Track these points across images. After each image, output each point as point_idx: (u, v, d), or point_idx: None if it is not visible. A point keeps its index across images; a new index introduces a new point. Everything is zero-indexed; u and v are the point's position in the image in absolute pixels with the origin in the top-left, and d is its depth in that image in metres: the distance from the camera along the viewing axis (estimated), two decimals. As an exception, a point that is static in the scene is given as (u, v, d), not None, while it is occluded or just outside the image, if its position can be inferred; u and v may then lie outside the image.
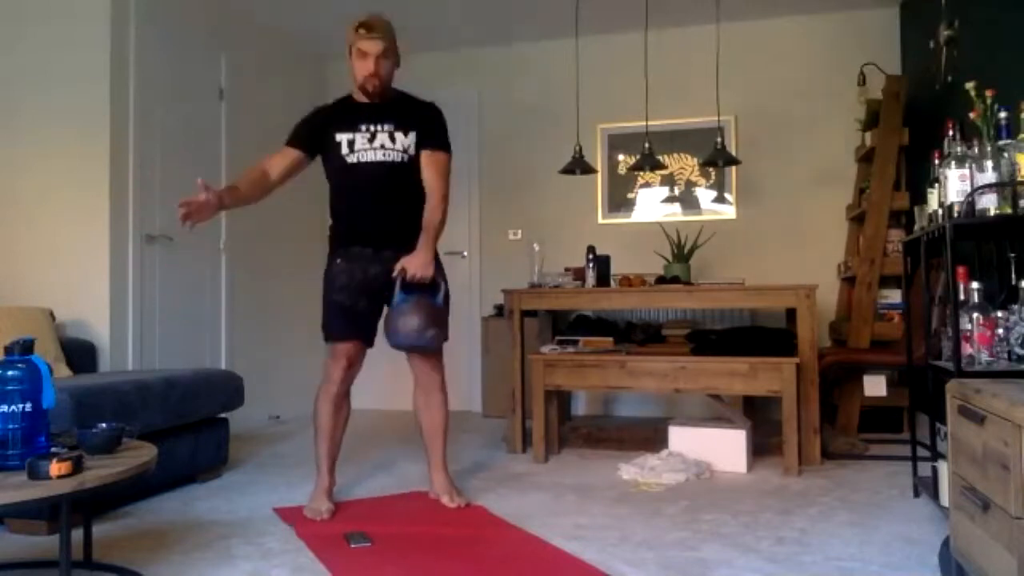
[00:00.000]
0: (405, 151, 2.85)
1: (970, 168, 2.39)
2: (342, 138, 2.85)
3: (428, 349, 2.86)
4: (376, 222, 2.86)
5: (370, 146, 2.83)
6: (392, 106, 2.89)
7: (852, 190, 4.90)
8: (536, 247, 4.23)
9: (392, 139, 2.85)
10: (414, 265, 2.74)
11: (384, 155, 2.84)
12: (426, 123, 2.90)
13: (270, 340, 5.00)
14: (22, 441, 1.92)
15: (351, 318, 2.86)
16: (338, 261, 2.89)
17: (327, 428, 2.90)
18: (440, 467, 3.02)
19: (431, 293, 2.78)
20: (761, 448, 3.77)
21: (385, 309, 2.87)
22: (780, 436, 3.49)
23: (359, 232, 2.88)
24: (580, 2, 4.70)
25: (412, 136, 2.87)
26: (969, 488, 1.85)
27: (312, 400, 2.95)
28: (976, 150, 2.42)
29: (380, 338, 3.02)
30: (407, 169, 2.86)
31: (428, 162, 2.88)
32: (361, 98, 2.88)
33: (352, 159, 2.83)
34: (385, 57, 2.80)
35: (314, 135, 2.90)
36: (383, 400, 5.20)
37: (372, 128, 2.85)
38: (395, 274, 2.75)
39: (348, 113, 2.89)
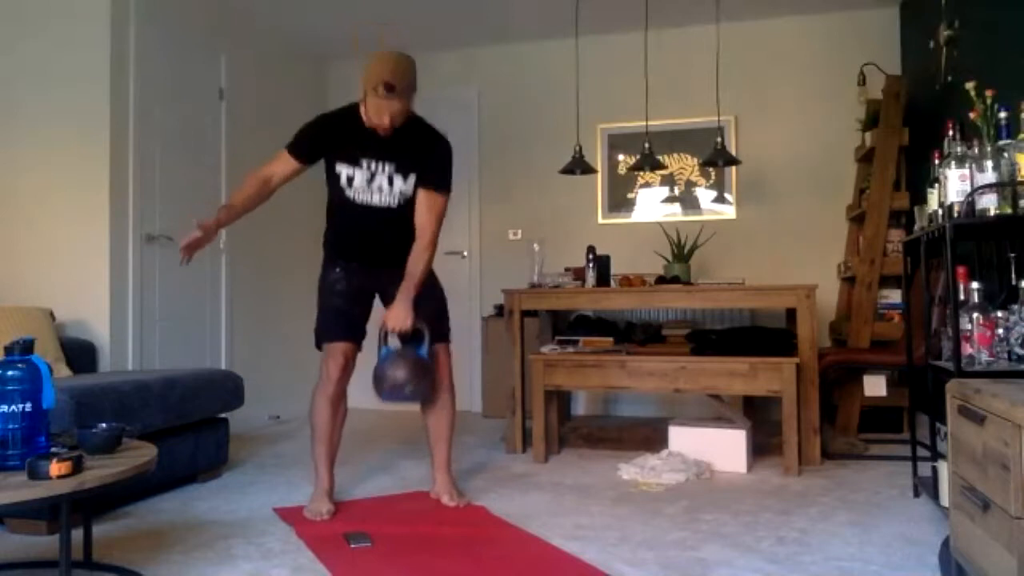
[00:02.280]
0: (402, 195, 2.85)
1: (970, 168, 2.39)
2: (342, 170, 2.83)
3: (415, 401, 2.88)
4: (368, 252, 2.93)
5: (367, 188, 2.83)
6: (399, 141, 2.79)
7: (852, 190, 4.90)
8: (536, 247, 4.23)
9: (390, 183, 2.83)
10: (393, 319, 2.75)
11: (379, 199, 2.84)
12: (429, 164, 2.84)
13: (270, 340, 5.00)
14: (22, 441, 1.92)
15: (347, 320, 2.91)
16: (336, 270, 2.94)
17: (325, 429, 2.90)
18: (444, 467, 3.02)
19: (416, 342, 2.80)
20: (761, 448, 3.77)
21: (376, 311, 2.94)
22: (780, 436, 3.49)
23: (353, 254, 2.93)
24: (580, 2, 4.70)
25: (411, 179, 2.84)
26: (969, 488, 1.85)
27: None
28: (976, 150, 2.43)
29: (373, 337, 3.03)
30: (401, 212, 2.86)
31: (423, 201, 2.84)
32: (369, 119, 2.77)
33: (349, 194, 2.84)
34: (401, 113, 2.71)
35: (316, 152, 2.86)
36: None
37: (372, 167, 2.81)
38: (379, 329, 2.79)
39: (352, 140, 2.80)
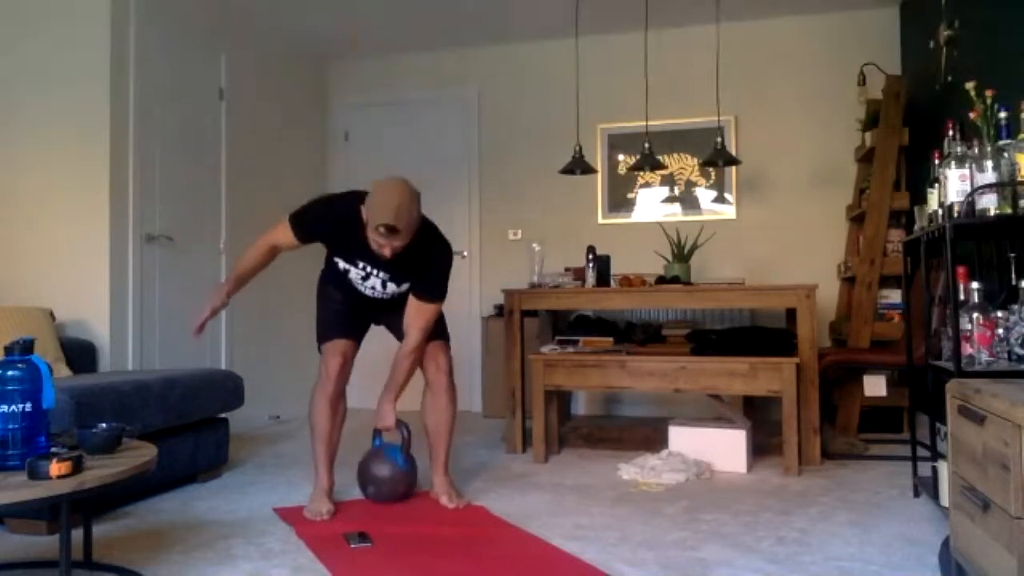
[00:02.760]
0: (395, 293, 2.90)
1: (970, 168, 2.39)
2: (339, 260, 2.86)
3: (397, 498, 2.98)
4: (368, 312, 3.02)
5: (361, 283, 2.87)
6: (397, 257, 2.70)
7: (852, 190, 4.90)
8: (536, 247, 4.23)
9: (384, 286, 2.86)
10: (377, 418, 2.89)
11: (372, 294, 2.90)
12: (426, 275, 2.83)
13: (270, 340, 5.00)
14: (22, 441, 1.92)
15: (347, 320, 2.94)
16: (332, 287, 2.98)
17: (324, 428, 2.91)
18: (442, 468, 3.02)
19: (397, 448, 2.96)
20: (761, 448, 3.77)
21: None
22: (780, 436, 3.50)
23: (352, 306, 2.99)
24: (580, 2, 4.70)
25: (405, 286, 2.87)
26: (969, 488, 1.85)
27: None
28: (976, 150, 2.42)
29: (376, 337, 3.05)
30: (395, 299, 2.92)
31: (414, 306, 2.84)
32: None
33: (347, 276, 2.87)
34: (403, 246, 2.65)
35: (315, 240, 2.86)
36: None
37: (367, 270, 2.83)
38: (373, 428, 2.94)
39: (350, 243, 2.77)
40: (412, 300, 2.84)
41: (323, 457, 2.92)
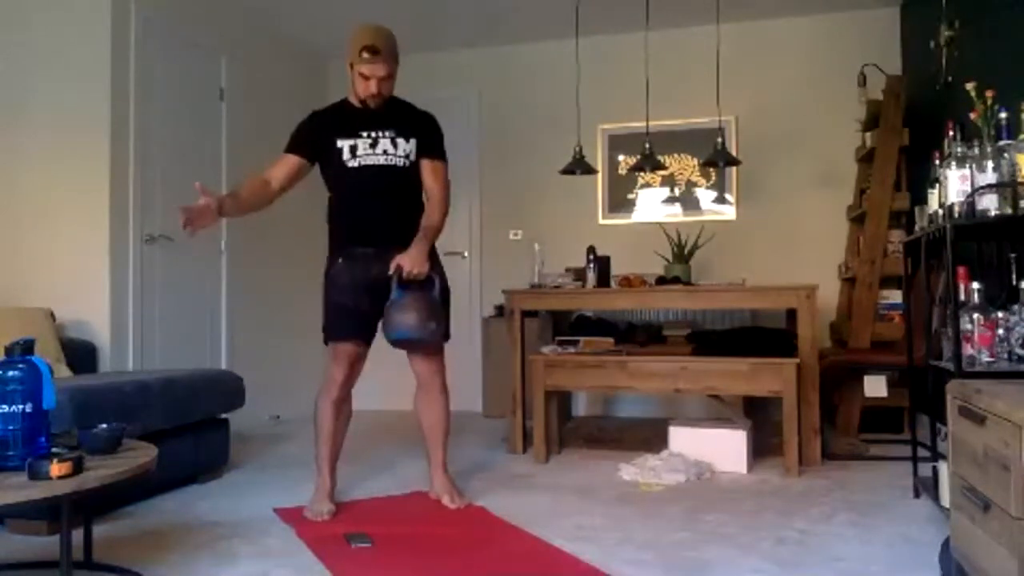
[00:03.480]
0: (407, 156, 2.88)
1: (970, 168, 2.39)
2: (343, 144, 2.84)
3: (427, 342, 2.83)
4: (378, 223, 2.86)
5: (372, 151, 2.84)
6: (392, 113, 2.88)
7: (852, 190, 4.90)
8: (536, 247, 4.23)
9: (394, 144, 2.86)
10: (409, 261, 2.74)
11: (387, 159, 2.85)
12: (426, 133, 2.93)
13: (270, 340, 5.00)
14: (23, 441, 1.92)
15: (354, 318, 2.86)
16: (339, 261, 2.89)
17: (328, 430, 2.90)
18: (440, 468, 3.02)
19: (427, 288, 2.80)
20: (761, 448, 3.77)
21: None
22: (780, 436, 3.49)
23: (361, 232, 2.87)
24: (580, 2, 4.70)
25: (413, 143, 2.89)
26: (969, 489, 1.85)
27: (313, 400, 2.95)
28: (976, 150, 2.42)
29: (379, 339, 3.02)
30: (409, 173, 2.89)
31: (429, 171, 2.92)
32: (359, 105, 2.87)
33: (354, 163, 2.84)
34: (388, 79, 2.79)
35: (314, 141, 2.88)
36: (383, 400, 5.19)
37: (374, 134, 2.85)
38: (391, 271, 2.75)
39: (348, 119, 2.87)
40: (424, 165, 2.90)
41: (326, 458, 2.91)
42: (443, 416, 3.00)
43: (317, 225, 3.08)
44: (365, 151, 2.84)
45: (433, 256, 2.88)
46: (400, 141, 2.87)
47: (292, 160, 2.86)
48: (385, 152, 2.85)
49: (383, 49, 2.72)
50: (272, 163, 2.88)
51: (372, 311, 2.85)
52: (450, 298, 2.95)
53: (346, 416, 2.95)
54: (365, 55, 2.71)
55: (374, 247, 2.85)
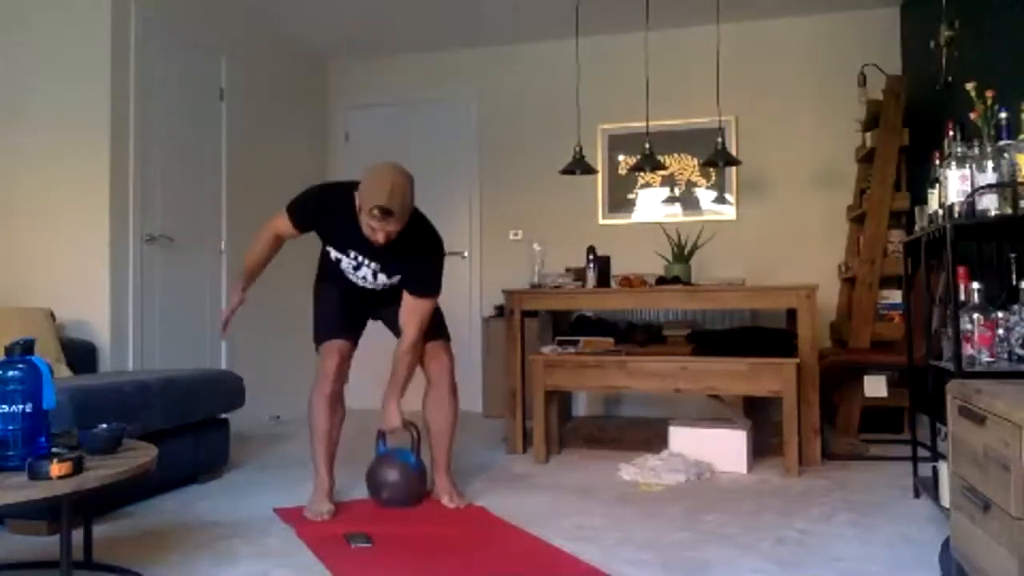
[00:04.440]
0: (386, 284, 2.89)
1: (970, 168, 2.39)
2: (331, 250, 2.86)
3: (407, 505, 2.93)
4: (368, 300, 2.98)
5: (353, 273, 2.86)
6: (389, 245, 2.67)
7: (852, 190, 4.90)
8: (536, 247, 4.23)
9: (375, 277, 2.85)
10: (383, 420, 2.91)
11: (365, 284, 2.89)
12: (418, 270, 2.81)
13: (270, 340, 5.00)
14: (23, 441, 1.92)
15: (343, 319, 2.95)
16: (328, 285, 2.98)
17: (323, 428, 2.91)
18: (444, 469, 3.02)
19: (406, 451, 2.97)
20: (761, 448, 3.77)
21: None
22: (780, 436, 3.49)
23: (347, 301, 2.98)
24: (580, 2, 4.70)
25: (396, 278, 2.86)
26: (969, 489, 1.85)
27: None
28: (976, 150, 2.42)
29: (374, 337, 3.04)
30: (386, 291, 2.91)
31: (409, 304, 2.82)
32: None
33: (344, 265, 2.86)
34: (396, 232, 2.63)
35: (311, 228, 2.86)
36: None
37: (360, 259, 2.82)
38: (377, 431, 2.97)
39: (344, 231, 2.76)
40: (406, 297, 2.83)
41: (323, 457, 2.92)
42: (451, 417, 3.02)
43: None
44: (348, 268, 2.86)
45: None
46: (381, 276, 2.84)
47: (294, 232, 2.85)
48: (364, 278, 2.86)
49: (397, 212, 2.55)
50: (276, 216, 2.85)
51: (360, 318, 3.00)
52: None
53: (340, 415, 2.97)
54: (376, 213, 2.54)
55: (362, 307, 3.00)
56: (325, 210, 2.79)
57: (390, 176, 2.56)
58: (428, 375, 3.00)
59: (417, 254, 2.78)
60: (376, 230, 2.59)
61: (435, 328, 2.97)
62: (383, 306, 2.98)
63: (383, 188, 2.52)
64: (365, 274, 2.84)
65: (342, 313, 2.95)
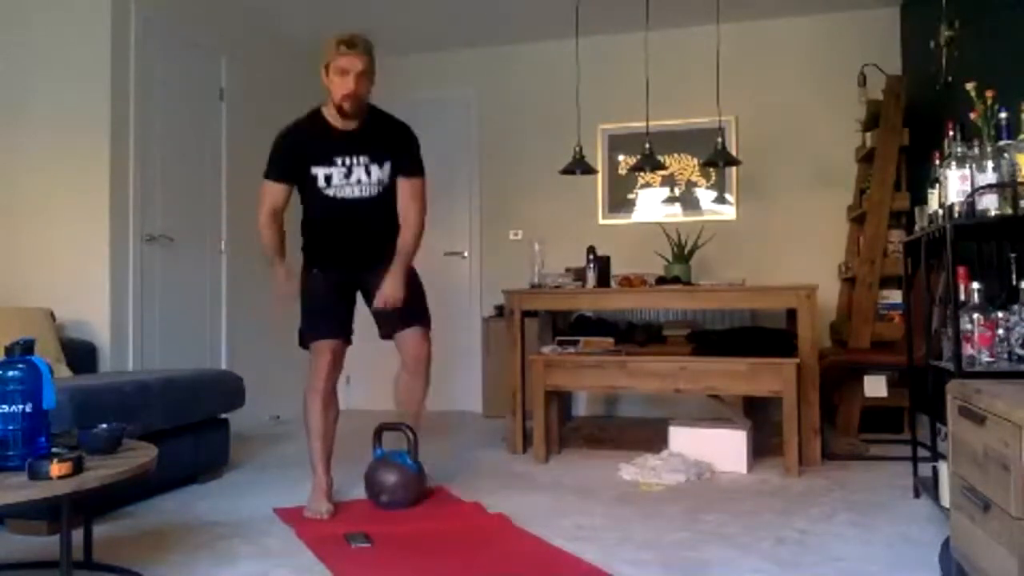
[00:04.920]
0: (381, 183, 2.90)
1: (970, 168, 2.39)
2: (318, 172, 2.86)
3: (401, 507, 2.93)
4: (352, 250, 2.96)
5: (347, 181, 2.86)
6: (366, 133, 2.87)
7: (852, 190, 4.90)
8: (536, 247, 4.23)
9: (368, 173, 2.87)
10: (387, 292, 2.86)
11: (361, 190, 2.88)
12: (400, 150, 2.93)
13: (270, 340, 4.99)
14: (23, 441, 1.92)
15: (332, 317, 2.95)
16: (314, 271, 2.98)
17: (318, 427, 2.92)
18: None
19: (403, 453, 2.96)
20: (761, 448, 3.77)
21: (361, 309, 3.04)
22: (780, 436, 3.49)
23: (336, 258, 2.97)
24: (580, 2, 4.70)
25: (387, 167, 2.90)
26: (969, 488, 1.85)
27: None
28: (976, 151, 2.42)
29: (374, 337, 3.04)
30: (383, 199, 2.92)
31: (404, 189, 2.93)
32: (334, 118, 2.84)
33: (329, 192, 2.87)
34: (365, 75, 2.77)
35: (291, 167, 2.89)
36: (380, 400, 5.18)
37: (348, 161, 2.85)
38: (375, 307, 2.89)
39: (323, 143, 2.85)
40: (401, 185, 2.91)
41: (320, 456, 2.93)
42: (420, 395, 3.07)
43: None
44: (340, 181, 2.86)
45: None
46: (374, 168, 2.87)
47: (278, 187, 2.89)
48: (359, 181, 2.87)
49: (360, 44, 2.74)
50: (264, 194, 2.90)
51: (348, 312, 3.02)
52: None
53: (334, 414, 2.99)
54: (343, 48, 2.72)
55: (348, 269, 2.97)
56: (294, 141, 2.88)
57: (347, 31, 2.77)
58: (404, 359, 3.02)
59: (396, 136, 2.92)
60: (346, 72, 2.71)
61: (415, 313, 2.99)
62: (370, 261, 2.92)
63: (342, 34, 2.74)
64: (359, 176, 2.85)
65: (330, 308, 2.94)
